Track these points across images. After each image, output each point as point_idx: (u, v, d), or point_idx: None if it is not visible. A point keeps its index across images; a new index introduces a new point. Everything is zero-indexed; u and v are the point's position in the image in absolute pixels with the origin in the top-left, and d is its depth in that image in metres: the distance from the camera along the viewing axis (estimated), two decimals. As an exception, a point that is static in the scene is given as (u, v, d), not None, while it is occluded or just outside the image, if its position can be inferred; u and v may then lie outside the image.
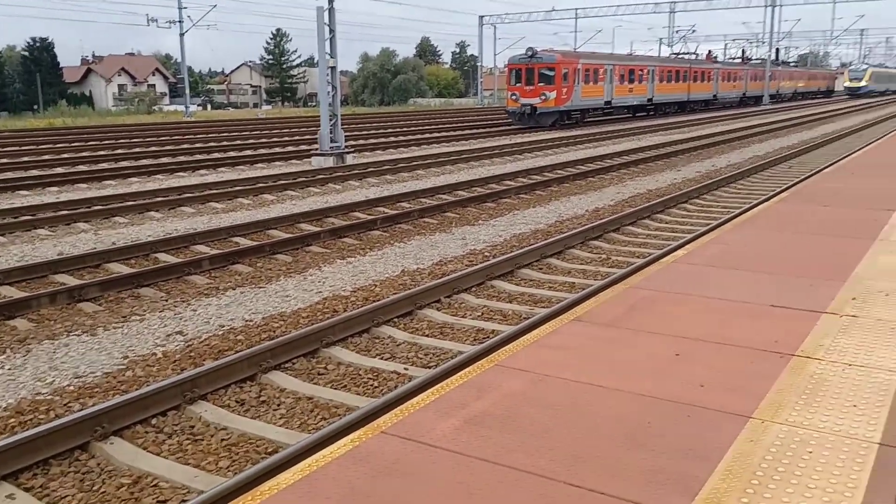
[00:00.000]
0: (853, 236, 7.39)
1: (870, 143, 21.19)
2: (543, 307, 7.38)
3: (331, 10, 20.03)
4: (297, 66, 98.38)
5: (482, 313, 7.40)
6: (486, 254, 9.84)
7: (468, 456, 3.05)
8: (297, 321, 7.18)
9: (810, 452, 3.06)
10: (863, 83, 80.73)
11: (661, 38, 70.60)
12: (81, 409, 5.08)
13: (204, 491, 4.01)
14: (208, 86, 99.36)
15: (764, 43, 70.87)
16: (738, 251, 6.89)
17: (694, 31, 68.07)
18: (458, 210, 12.98)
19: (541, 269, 9.06)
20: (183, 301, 7.86)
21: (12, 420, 5.12)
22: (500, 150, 23.59)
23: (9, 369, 6.00)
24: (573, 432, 3.26)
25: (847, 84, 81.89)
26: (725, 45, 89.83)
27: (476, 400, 3.61)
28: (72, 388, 5.64)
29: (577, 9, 69.16)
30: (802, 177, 15.06)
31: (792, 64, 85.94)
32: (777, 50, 69.35)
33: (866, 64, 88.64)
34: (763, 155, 22.11)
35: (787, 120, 38.17)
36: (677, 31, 66.89)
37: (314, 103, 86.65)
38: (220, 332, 6.87)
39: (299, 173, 17.95)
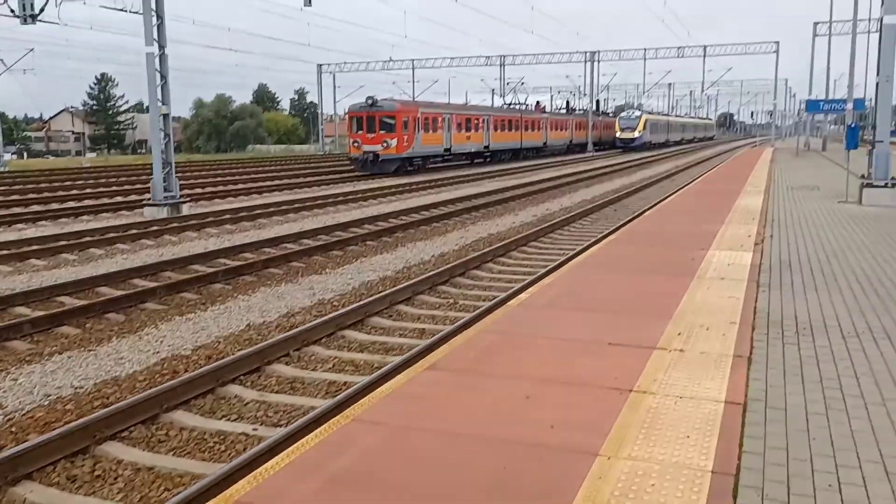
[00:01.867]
0: (674, 274, 8.04)
1: (682, 188, 23.23)
2: (396, 355, 7.39)
3: (162, 57, 19.33)
4: (125, 111, 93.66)
5: (333, 365, 7.29)
6: (336, 303, 9.74)
7: (329, 519, 2.98)
8: (133, 386, 6.72)
9: (653, 485, 3.26)
10: (637, 133, 65.98)
11: (493, 89, 73.99)
12: None
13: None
14: (25, 133, 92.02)
15: (585, 94, 76.26)
16: (575, 292, 7.28)
17: (523, 82, 71.94)
18: (304, 259, 12.79)
19: (391, 316, 9.09)
20: (1, 370, 7.12)
21: None
22: (344, 197, 23.58)
23: None
24: (434, 484, 3.27)
25: (619, 135, 66.60)
26: (552, 95, 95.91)
27: (334, 458, 3.53)
28: None
29: (413, 59, 71.17)
30: (627, 219, 16.23)
31: (611, 114, 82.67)
32: (597, 101, 74.70)
33: (639, 110, 72.01)
34: (591, 199, 23.62)
35: (610, 166, 41.12)
36: (508, 83, 70.50)
37: (144, 150, 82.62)
38: (46, 403, 6.29)
39: (130, 225, 16.97)
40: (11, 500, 4.65)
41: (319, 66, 71.82)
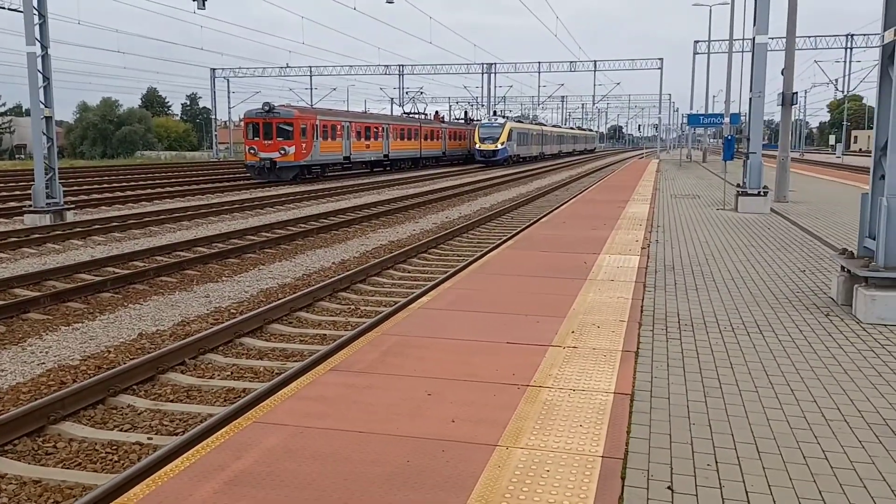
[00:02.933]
0: (568, 277, 8.37)
1: (574, 197, 24.08)
2: (296, 360, 7.34)
3: (45, 57, 18.38)
4: (2, 114, 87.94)
5: (232, 372, 7.16)
6: (233, 311, 9.55)
7: (232, 517, 2.97)
8: (16, 398, 6.38)
9: (548, 471, 3.42)
10: (499, 145, 53.93)
11: (392, 98, 74.24)
12: None
13: None
14: None
15: (483, 105, 77.73)
16: (474, 295, 7.47)
17: (422, 92, 72.62)
18: (198, 267, 12.45)
19: (291, 322, 9.00)
20: None
21: None
22: (240, 204, 23.06)
23: None
24: (338, 480, 3.32)
25: (478, 146, 54.77)
26: (450, 106, 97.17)
27: (235, 460, 3.51)
28: None
29: (311, 66, 70.47)
30: (523, 226, 16.69)
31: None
32: (494, 112, 76.30)
33: (504, 116, 63.42)
34: (489, 207, 24.10)
35: (506, 175, 42.04)
36: (407, 92, 70.93)
37: (23, 156, 77.78)
38: (-85, 420, 5.87)
39: (9, 233, 16.00)
40: None
41: (213, 70, 70.01)
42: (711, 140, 78.12)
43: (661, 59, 66.91)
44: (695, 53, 53.43)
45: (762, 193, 16.31)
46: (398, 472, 3.39)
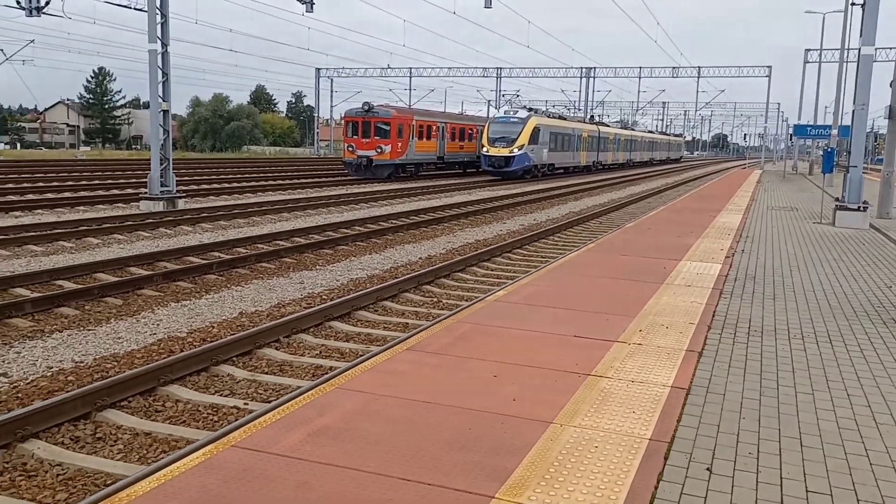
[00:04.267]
0: (645, 280, 8.54)
1: (666, 204, 23.82)
2: (378, 345, 7.85)
3: (164, 54, 19.78)
4: (121, 106, 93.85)
5: (320, 352, 7.73)
6: (324, 297, 10.19)
7: (310, 461, 3.44)
8: (131, 362, 7.15)
9: (596, 447, 3.74)
10: (515, 149, 38.61)
11: (489, 101, 74.73)
12: None
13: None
14: (18, 123, 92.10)
15: (580, 110, 77.18)
16: (550, 292, 7.77)
17: (519, 95, 72.82)
18: (295, 256, 13.23)
19: (376, 311, 9.54)
20: (4, 344, 7.53)
21: None
22: (336, 199, 24.04)
23: None
24: (405, 439, 3.74)
25: (485, 151, 39.42)
26: (546, 109, 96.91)
27: (319, 417, 4.00)
28: None
29: (411, 68, 71.88)
30: (609, 231, 16.76)
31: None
32: (592, 117, 75.50)
33: (526, 108, 44.08)
34: (578, 211, 24.16)
35: (600, 181, 41.74)
36: (504, 95, 71.28)
37: (139, 146, 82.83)
38: (49, 374, 6.71)
39: (126, 217, 17.37)
40: (21, 454, 5.06)
41: (318, 70, 72.40)
42: (820, 152, 74.30)
43: (769, 67, 64.55)
44: (805, 62, 51.41)
45: (862, 208, 15.80)
46: (459, 437, 3.78)
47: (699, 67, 67.70)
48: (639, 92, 77.76)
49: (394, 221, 18.79)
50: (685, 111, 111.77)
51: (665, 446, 3.77)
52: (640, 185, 40.62)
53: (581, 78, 71.70)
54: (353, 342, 8.13)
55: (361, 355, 7.44)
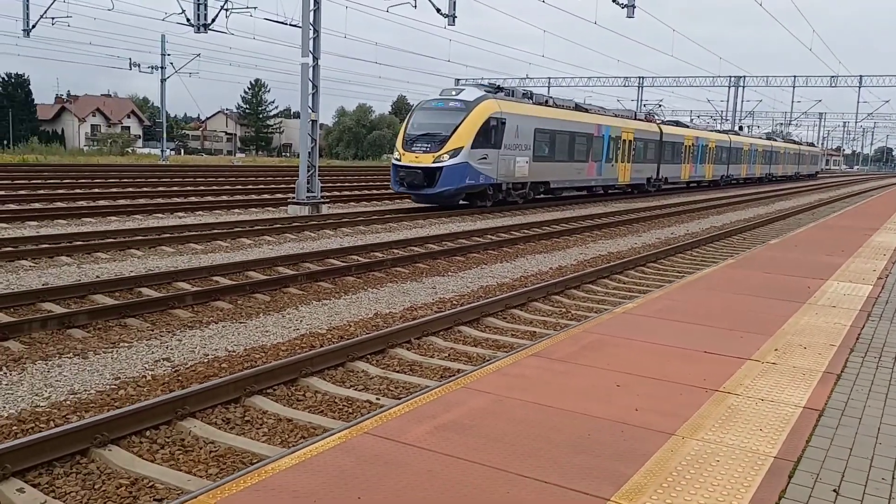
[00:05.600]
0: (786, 299, 8.21)
1: (818, 221, 22.49)
2: (505, 351, 8.01)
3: (315, 67, 20.96)
4: (274, 116, 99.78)
5: (449, 354, 8.00)
6: (454, 302, 10.49)
7: (436, 452, 3.66)
8: (276, 353, 7.71)
9: (718, 461, 3.72)
10: (446, 156, 22.05)
11: (633, 111, 73.24)
12: (80, 420, 5.54)
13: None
14: (183, 131, 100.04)
15: (727, 120, 74.04)
16: (682, 306, 7.65)
17: (661, 105, 70.89)
18: (428, 262, 13.66)
19: (505, 318, 9.72)
20: (168, 332, 8.34)
21: (14, 428, 5.55)
22: (469, 208, 24.46)
23: (6, 384, 6.43)
24: (527, 439, 3.89)
25: (398, 157, 23.31)
26: (691, 119, 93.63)
27: (445, 412, 4.22)
28: (68, 402, 6.09)
29: (549, 77, 71.76)
30: (751, 248, 16.08)
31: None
32: (740, 128, 72.18)
33: (485, 86, 26.04)
34: (720, 226, 23.28)
35: (748, 195, 39.92)
36: (645, 104, 69.65)
37: (288, 154, 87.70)
38: (205, 360, 7.37)
39: (275, 220, 18.54)
40: (180, 431, 5.63)
41: (457, 80, 73.76)
42: None
43: (942, 75, 59.19)
44: None
45: None
46: (579, 442, 3.88)
47: (861, 76, 63.25)
48: (792, 102, 73.56)
49: (526, 231, 18.93)
50: (844, 122, 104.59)
51: (791, 465, 3.69)
52: (789, 201, 38.48)
53: (729, 87, 68.91)
54: (481, 347, 8.34)
55: (488, 360, 7.65)
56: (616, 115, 33.63)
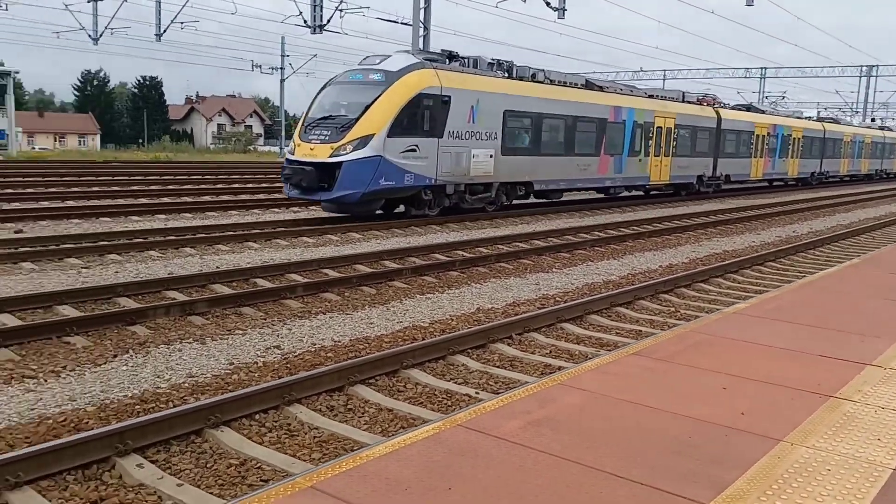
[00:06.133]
0: (917, 302, 7.62)
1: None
2: (609, 350, 7.86)
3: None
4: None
5: (550, 351, 7.93)
6: (557, 299, 10.38)
7: (528, 447, 3.64)
8: (380, 345, 7.89)
9: (828, 470, 3.50)
10: (349, 148, 16.16)
11: (750, 103, 70.01)
12: (196, 402, 5.88)
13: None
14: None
15: (858, 112, 69.50)
16: (796, 307, 7.25)
17: (785, 97, 67.36)
18: (532, 258, 13.58)
19: (609, 316, 9.53)
20: (279, 321, 8.69)
21: (137, 407, 5.95)
22: (580, 203, 24.12)
23: (132, 366, 6.90)
24: (623, 439, 3.80)
25: (290, 150, 17.80)
26: (818, 111, 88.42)
27: (539, 408, 4.18)
28: (186, 384, 6.47)
29: (664, 70, 69.63)
30: (880, 247, 15.02)
31: None
32: (873, 119, 67.56)
33: (418, 53, 19.30)
34: (846, 224, 21.91)
35: (880, 191, 37.31)
36: (767, 96, 66.37)
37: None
38: (313, 349, 7.64)
39: (382, 215, 18.93)
40: (287, 416, 5.87)
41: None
42: None
43: None
44: None
45: None
46: (678, 444, 3.76)
47: None
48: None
49: (635, 228, 18.47)
50: None
51: (913, 480, 3.43)
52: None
53: (860, 77, 64.64)
54: (583, 345, 8.21)
55: (590, 358, 7.53)
56: (651, 97, 26.82)
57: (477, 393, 6.53)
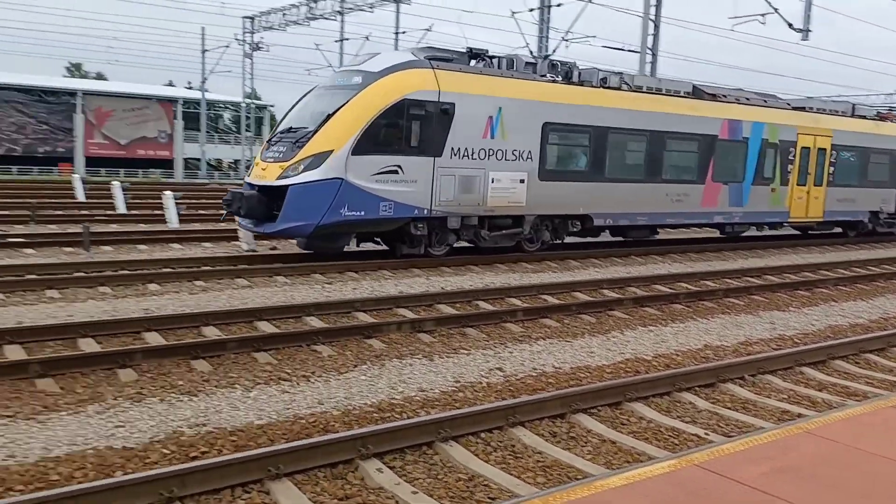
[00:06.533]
0: None
1: None
2: (857, 400, 7.15)
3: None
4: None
5: (788, 396, 7.38)
6: (797, 340, 9.64)
7: (769, 494, 3.45)
8: (601, 375, 7.82)
9: None
10: (300, 168, 12.76)
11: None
12: (427, 415, 6.22)
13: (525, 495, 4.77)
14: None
15: None
16: None
17: None
18: (766, 294, 12.73)
19: (858, 363, 8.68)
20: (501, 343, 8.93)
21: (375, 415, 6.42)
22: (817, 239, 22.20)
23: (370, 377, 7.45)
24: (873, 493, 3.47)
25: (249, 174, 14.76)
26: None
27: (781, 455, 3.94)
28: (417, 398, 6.87)
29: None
30: None
31: None
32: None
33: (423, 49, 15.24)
34: None
35: None
36: None
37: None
38: (534, 374, 7.76)
39: (602, 243, 18.73)
40: (511, 438, 6.01)
41: (807, 98, 67.40)
42: None
43: None
44: None
45: None
46: (952, 513, 3.36)
47: None
48: None
49: (886, 267, 16.62)
50: None
51: None
52: None
53: None
54: (827, 392, 7.55)
55: (835, 407, 6.89)
56: (803, 109, 20.63)
57: (706, 434, 6.25)
